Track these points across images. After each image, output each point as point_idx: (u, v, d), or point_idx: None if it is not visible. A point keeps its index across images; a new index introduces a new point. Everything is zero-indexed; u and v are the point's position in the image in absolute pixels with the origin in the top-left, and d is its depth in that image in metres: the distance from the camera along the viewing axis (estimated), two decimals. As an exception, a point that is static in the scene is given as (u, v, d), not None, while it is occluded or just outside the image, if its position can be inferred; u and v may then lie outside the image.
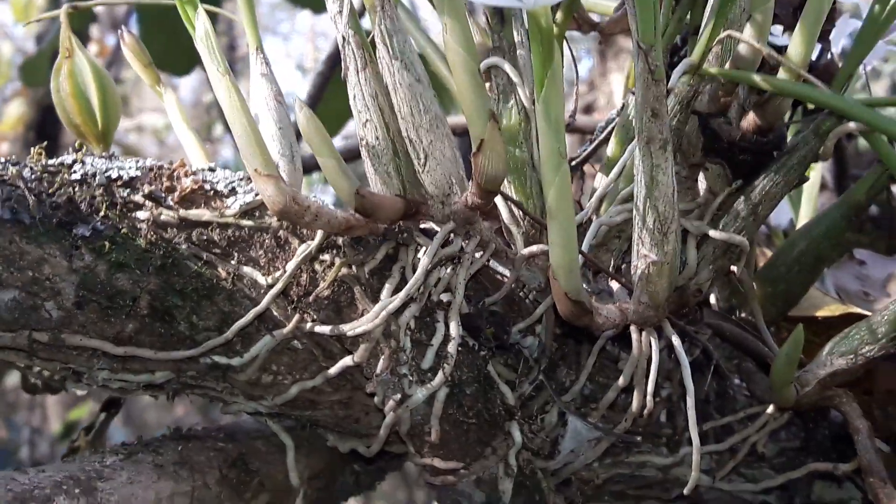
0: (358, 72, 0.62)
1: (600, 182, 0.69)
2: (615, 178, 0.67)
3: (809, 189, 0.83)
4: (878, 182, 0.67)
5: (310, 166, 0.84)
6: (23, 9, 2.66)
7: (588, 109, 2.07)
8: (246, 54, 0.68)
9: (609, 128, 0.72)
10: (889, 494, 0.63)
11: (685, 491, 0.63)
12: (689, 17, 0.71)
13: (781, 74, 0.63)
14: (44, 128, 2.60)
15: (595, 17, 0.78)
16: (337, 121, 1.55)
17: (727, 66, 0.65)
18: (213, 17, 0.72)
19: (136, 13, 1.87)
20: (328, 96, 1.48)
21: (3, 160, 0.62)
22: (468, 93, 0.59)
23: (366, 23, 0.62)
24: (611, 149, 0.71)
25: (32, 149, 0.65)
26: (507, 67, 0.66)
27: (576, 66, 0.75)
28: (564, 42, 0.74)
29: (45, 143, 0.66)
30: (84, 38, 2.12)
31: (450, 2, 0.59)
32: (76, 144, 0.65)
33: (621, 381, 0.65)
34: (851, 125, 0.64)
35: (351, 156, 1.08)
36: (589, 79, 2.12)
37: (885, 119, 0.61)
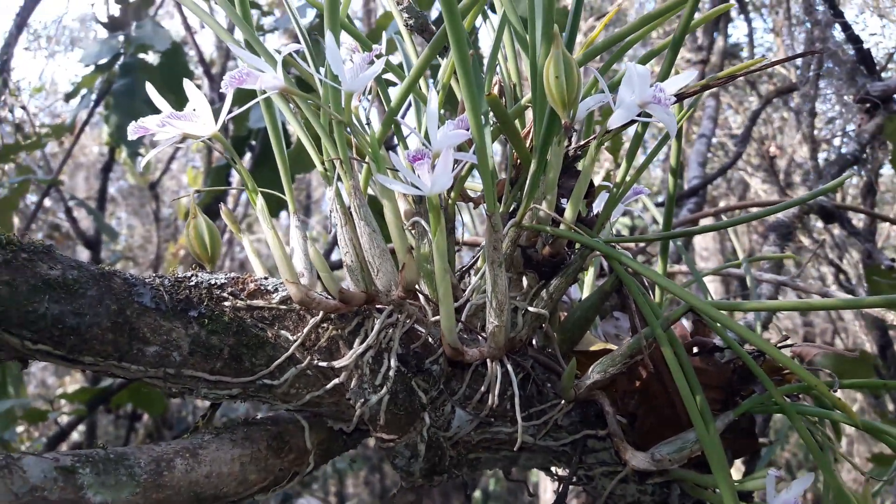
0: (342, 227, 0.64)
1: (472, 282, 0.70)
2: (479, 279, 0.69)
3: (589, 281, 0.85)
4: (615, 280, 0.69)
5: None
6: (193, 178, 2.65)
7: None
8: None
9: (479, 253, 0.74)
10: (624, 447, 0.66)
11: (515, 448, 0.65)
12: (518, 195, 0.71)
13: (562, 226, 0.66)
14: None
15: (473, 194, 0.79)
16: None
17: (534, 222, 0.67)
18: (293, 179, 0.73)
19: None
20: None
21: (153, 275, 0.62)
22: (396, 239, 0.63)
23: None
24: (479, 264, 0.73)
25: (171, 269, 0.67)
26: (423, 223, 0.68)
27: (460, 214, 0.76)
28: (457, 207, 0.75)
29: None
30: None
31: (385, 192, 0.64)
32: (193, 266, 0.66)
33: (483, 388, 0.66)
34: (596, 252, 0.67)
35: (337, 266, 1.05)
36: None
37: (609, 248, 0.64)
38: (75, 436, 3.14)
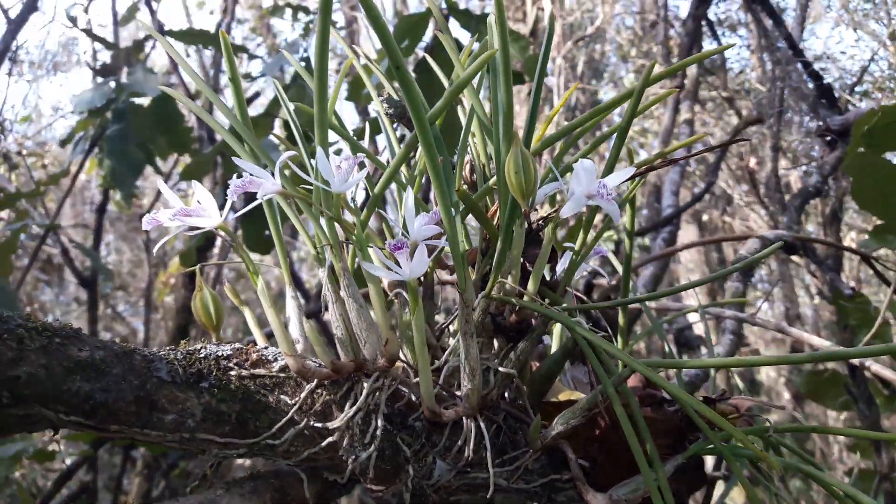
0: (333, 303, 0.72)
1: (451, 343, 0.77)
2: (455, 345, 0.76)
3: (557, 332, 0.91)
4: (573, 340, 0.75)
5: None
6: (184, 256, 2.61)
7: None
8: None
9: (453, 318, 0.81)
10: (585, 489, 0.73)
11: (489, 495, 0.72)
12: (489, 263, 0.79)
13: (526, 297, 0.75)
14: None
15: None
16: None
17: (502, 294, 0.75)
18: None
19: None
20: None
21: (168, 349, 0.70)
22: (380, 317, 0.71)
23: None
24: (453, 330, 0.82)
25: (183, 342, 0.74)
26: (405, 293, 0.75)
27: (439, 294, 0.85)
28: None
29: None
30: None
31: (370, 277, 0.73)
32: (202, 339, 0.73)
33: (460, 441, 0.73)
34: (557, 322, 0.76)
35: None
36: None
37: (566, 318, 0.72)
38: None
